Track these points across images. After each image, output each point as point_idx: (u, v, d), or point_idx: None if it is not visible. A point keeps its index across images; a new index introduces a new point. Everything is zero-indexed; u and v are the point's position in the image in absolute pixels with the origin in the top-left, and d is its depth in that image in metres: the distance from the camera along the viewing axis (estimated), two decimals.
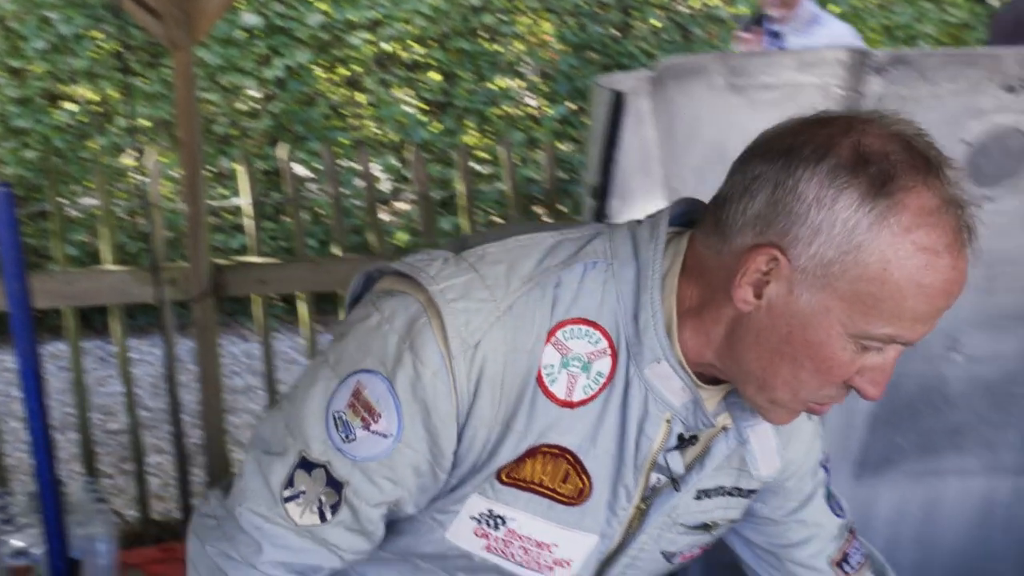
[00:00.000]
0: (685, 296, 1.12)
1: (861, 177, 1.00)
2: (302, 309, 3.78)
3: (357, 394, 1.11)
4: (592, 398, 1.13)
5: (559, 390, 1.11)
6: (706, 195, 2.10)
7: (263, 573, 1.17)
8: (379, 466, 1.12)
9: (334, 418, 1.12)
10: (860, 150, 1.01)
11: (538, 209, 5.57)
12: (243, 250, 4.34)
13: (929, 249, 1.00)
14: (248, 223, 3.83)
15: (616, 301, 1.12)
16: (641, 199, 1.93)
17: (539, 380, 1.11)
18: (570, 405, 1.12)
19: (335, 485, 1.13)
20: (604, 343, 1.12)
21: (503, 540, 1.18)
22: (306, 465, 1.14)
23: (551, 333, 1.10)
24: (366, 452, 1.12)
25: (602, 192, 1.88)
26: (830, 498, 1.38)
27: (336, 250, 3.83)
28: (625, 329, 1.12)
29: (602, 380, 1.13)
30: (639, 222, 1.17)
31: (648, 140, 1.91)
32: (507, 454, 1.13)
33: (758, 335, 1.07)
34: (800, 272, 1.03)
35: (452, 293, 1.09)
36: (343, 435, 1.12)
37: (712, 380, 1.17)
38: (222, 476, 3.62)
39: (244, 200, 3.87)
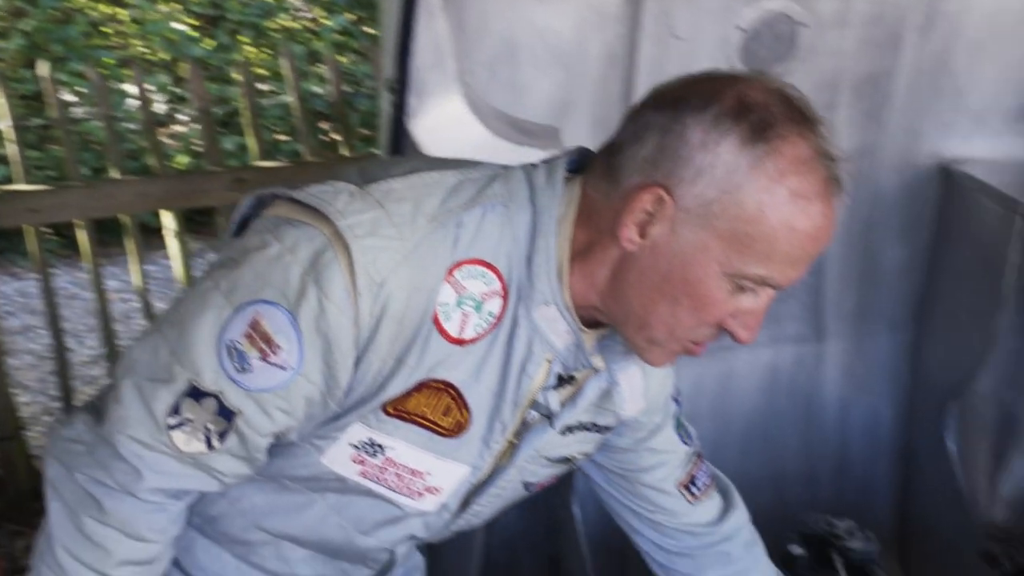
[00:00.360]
0: (576, 241, 1.16)
1: (743, 124, 1.07)
2: (82, 238, 3.56)
3: (255, 325, 1.09)
4: (481, 336, 1.16)
5: (452, 328, 1.14)
6: (497, 90, 2.11)
7: (141, 500, 1.15)
8: (274, 397, 1.11)
9: (228, 348, 1.10)
10: (743, 100, 1.08)
11: (324, 124, 5.44)
12: (7, 180, 4.02)
13: (801, 195, 1.07)
14: (11, 149, 3.55)
15: (512, 244, 1.15)
16: (437, 95, 1.91)
17: (434, 318, 1.12)
18: (460, 343, 1.15)
19: (226, 414, 1.12)
20: (497, 284, 1.15)
21: (379, 467, 1.20)
22: (196, 394, 1.11)
23: (450, 272, 1.12)
24: (262, 383, 1.11)
25: (400, 87, 1.85)
26: (679, 428, 1.47)
27: (114, 173, 3.61)
28: (518, 271, 1.16)
29: (492, 320, 1.16)
30: (535, 166, 1.20)
31: (440, 34, 1.88)
32: (396, 388, 1.14)
33: (641, 274, 1.13)
34: (683, 211, 1.09)
35: (360, 229, 1.09)
36: (237, 365, 1.10)
37: (591, 323, 1.22)
38: (6, 419, 3.41)
39: (3, 124, 3.58)
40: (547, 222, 1.15)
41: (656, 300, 1.13)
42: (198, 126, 3.84)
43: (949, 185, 2.56)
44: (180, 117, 5.87)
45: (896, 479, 2.85)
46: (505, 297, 1.15)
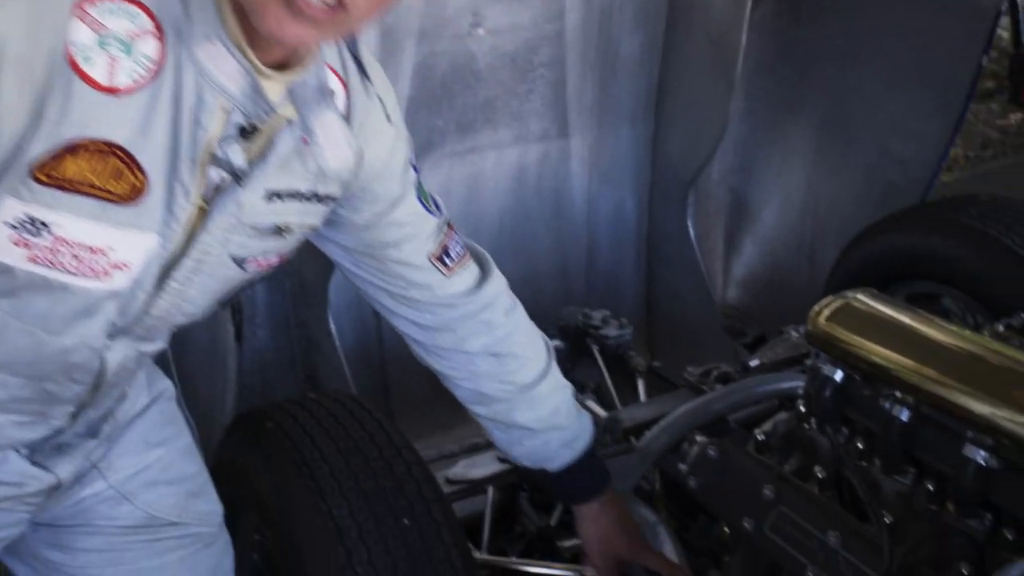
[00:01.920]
0: None
1: None
2: None
3: None
4: (142, 85, 1.03)
5: (99, 74, 1.00)
6: None
7: None
8: None
9: None
10: None
11: None
12: None
13: None
14: None
15: None
16: None
17: (71, 62, 0.98)
18: (113, 91, 1.02)
19: None
20: (149, 23, 1.02)
21: (49, 249, 1.06)
22: None
23: (79, 5, 0.98)
24: None
25: None
26: (423, 196, 1.37)
27: None
28: (172, 6, 1.03)
29: (150, 64, 1.03)
30: None
31: None
32: (40, 147, 1.00)
33: None
34: None
35: None
36: None
37: (277, 66, 1.10)
38: None
39: None
40: None
41: None
42: None
43: None
44: None
45: (641, 268, 2.95)
46: (162, 38, 1.03)
